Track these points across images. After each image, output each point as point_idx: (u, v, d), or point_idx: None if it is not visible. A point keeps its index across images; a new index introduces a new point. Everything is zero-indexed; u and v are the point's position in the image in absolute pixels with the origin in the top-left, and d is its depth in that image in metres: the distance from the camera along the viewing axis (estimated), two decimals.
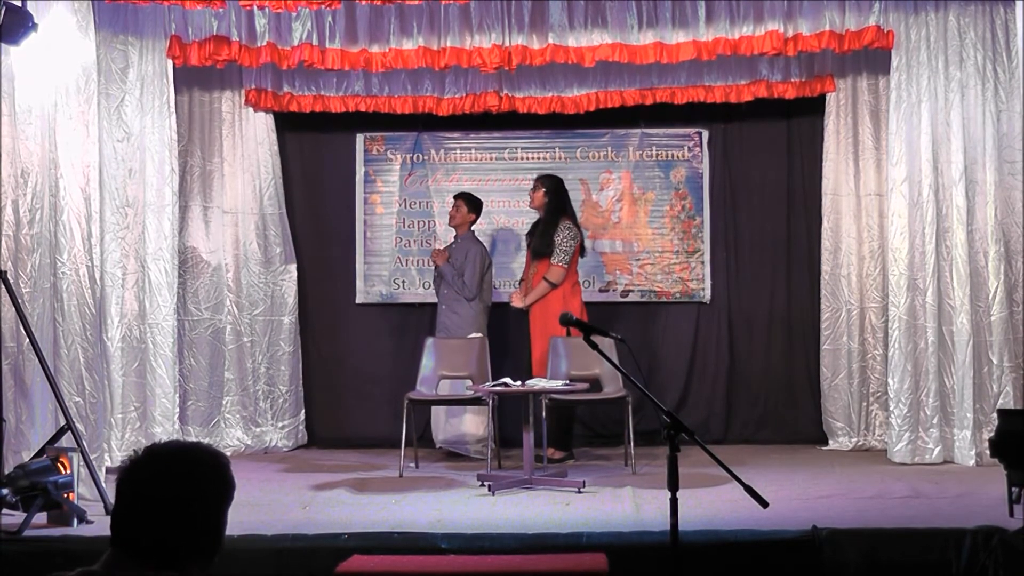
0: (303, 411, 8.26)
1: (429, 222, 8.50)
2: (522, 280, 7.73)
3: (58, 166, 5.94)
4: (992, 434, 5.43)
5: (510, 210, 8.16)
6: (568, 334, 7.31)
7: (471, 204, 7.82)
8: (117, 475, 2.10)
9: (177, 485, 2.05)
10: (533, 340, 7.52)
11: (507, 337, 8.07)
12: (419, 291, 8.46)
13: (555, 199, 7.54)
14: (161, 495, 2.04)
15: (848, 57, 7.61)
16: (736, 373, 8.35)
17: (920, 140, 6.98)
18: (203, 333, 7.83)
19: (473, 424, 7.68)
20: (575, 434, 8.06)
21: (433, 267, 7.97)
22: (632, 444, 6.90)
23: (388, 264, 8.51)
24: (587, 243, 8.32)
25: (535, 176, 7.78)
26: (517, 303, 7.58)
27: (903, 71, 7.01)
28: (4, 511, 5.08)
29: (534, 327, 7.52)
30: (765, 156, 8.41)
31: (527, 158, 8.48)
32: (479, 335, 7.58)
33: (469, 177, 8.46)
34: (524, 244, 7.93)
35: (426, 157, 8.52)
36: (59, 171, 5.94)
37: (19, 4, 5.45)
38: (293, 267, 8.19)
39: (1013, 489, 4.92)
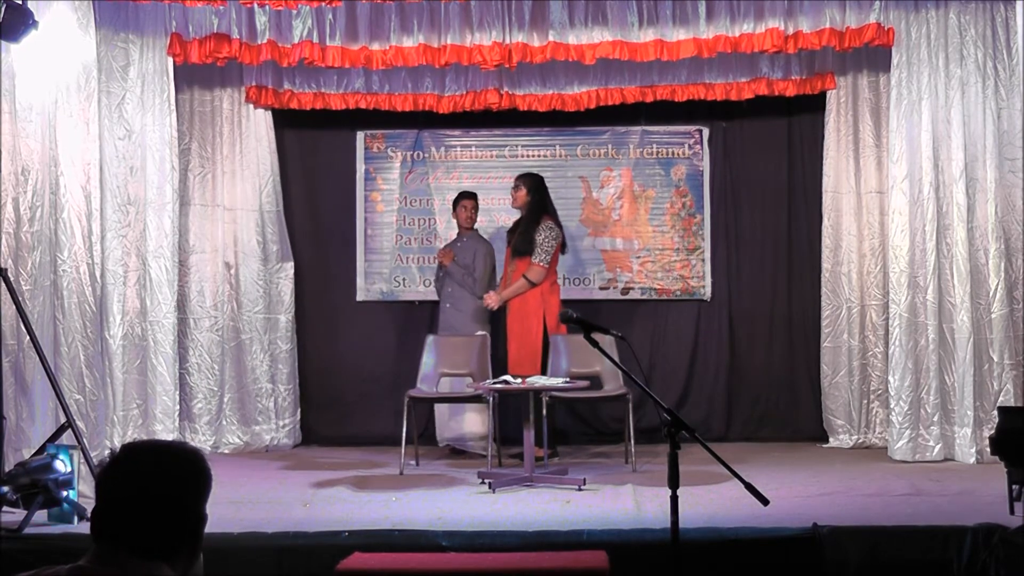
0: (304, 409, 8.27)
1: (430, 220, 8.50)
2: (502, 278, 7.71)
3: (58, 164, 5.94)
4: (992, 431, 5.44)
5: (511, 208, 8.13)
6: (547, 331, 7.32)
7: (477, 202, 7.85)
8: (96, 473, 2.13)
9: (155, 480, 2.08)
10: (510, 338, 7.50)
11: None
12: (419, 289, 8.46)
13: (536, 198, 7.50)
14: (140, 491, 2.07)
15: (849, 55, 7.60)
16: (737, 371, 8.36)
17: (921, 137, 6.98)
18: (203, 331, 7.83)
19: (474, 422, 7.68)
20: (575, 432, 8.08)
21: (437, 266, 7.97)
22: (633, 442, 6.89)
23: (389, 262, 8.51)
24: (587, 240, 8.36)
25: (515, 176, 7.76)
26: (492, 304, 7.54)
27: (903, 68, 7.01)
28: (5, 509, 5.09)
29: (511, 325, 7.50)
30: (766, 153, 8.41)
31: (528, 156, 8.48)
32: (484, 333, 7.58)
33: (470, 175, 8.46)
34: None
35: (427, 155, 8.52)
36: (59, 169, 5.94)
37: (20, 2, 5.44)
38: (289, 265, 8.18)
39: (1014, 487, 4.92)
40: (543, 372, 7.10)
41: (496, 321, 7.72)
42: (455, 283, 7.74)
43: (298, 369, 8.24)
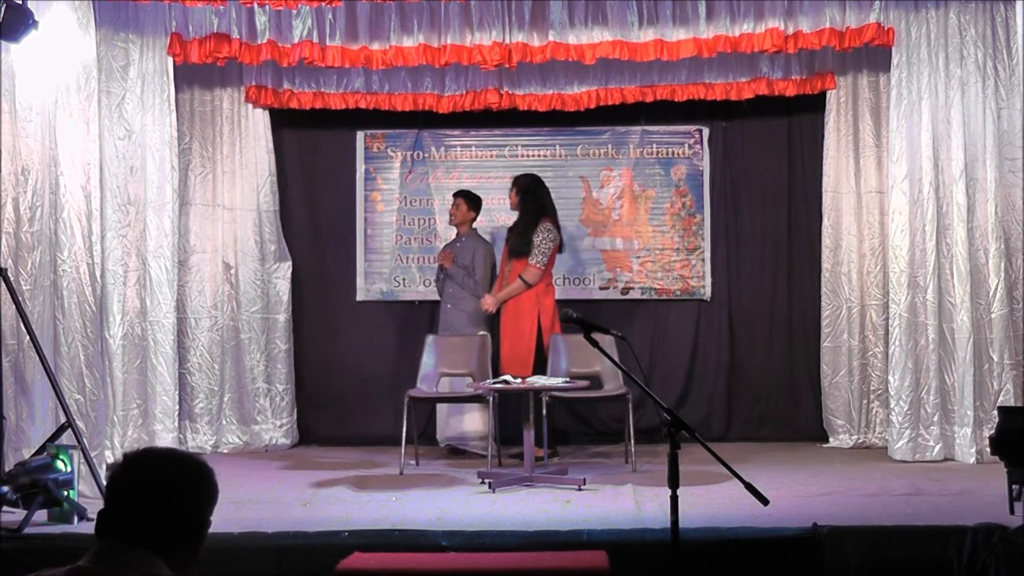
0: (303, 409, 8.26)
1: (430, 220, 8.50)
2: (498, 279, 7.70)
3: (58, 164, 5.94)
4: (992, 431, 5.44)
5: (511, 208, 8.13)
6: (541, 332, 7.28)
7: (471, 202, 7.82)
8: (109, 473, 2.20)
9: (159, 484, 2.16)
10: (502, 338, 7.48)
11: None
12: (419, 289, 8.46)
13: (530, 199, 7.49)
14: (145, 494, 2.14)
15: (849, 54, 7.60)
16: (737, 370, 8.35)
17: (921, 137, 6.98)
18: (203, 331, 7.83)
19: (474, 421, 7.67)
20: (575, 432, 8.08)
21: (438, 267, 7.96)
22: (633, 442, 6.89)
23: (389, 262, 8.51)
24: (587, 240, 8.36)
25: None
26: (489, 307, 7.52)
27: (903, 68, 7.01)
28: (5, 509, 5.09)
29: (504, 326, 7.48)
30: (766, 153, 8.41)
31: (528, 155, 8.47)
32: (484, 333, 7.58)
33: (470, 174, 8.46)
34: None
35: (426, 154, 8.52)
36: (59, 169, 5.94)
37: (20, 1, 5.44)
38: (287, 265, 8.16)
39: (1013, 486, 4.92)
40: (535, 373, 7.08)
41: (497, 322, 7.72)
42: (456, 284, 7.74)
43: (298, 369, 8.24)
